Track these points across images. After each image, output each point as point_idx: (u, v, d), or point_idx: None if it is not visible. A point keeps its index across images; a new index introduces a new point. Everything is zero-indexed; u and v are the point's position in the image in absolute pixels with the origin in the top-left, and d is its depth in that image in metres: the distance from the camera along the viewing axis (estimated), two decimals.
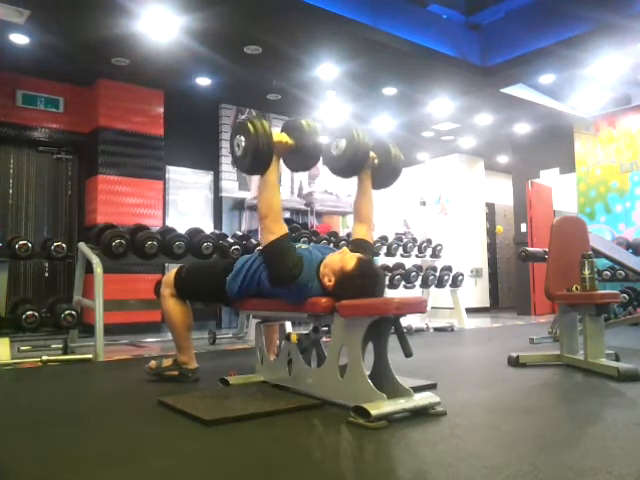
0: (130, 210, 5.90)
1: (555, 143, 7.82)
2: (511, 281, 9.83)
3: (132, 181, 5.98)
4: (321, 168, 7.15)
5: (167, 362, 2.72)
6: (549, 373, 2.87)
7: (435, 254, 6.15)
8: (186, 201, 6.57)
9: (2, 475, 1.40)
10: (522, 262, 5.90)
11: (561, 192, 8.34)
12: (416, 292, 5.64)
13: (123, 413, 2.12)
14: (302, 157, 2.42)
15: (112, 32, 4.69)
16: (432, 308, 5.81)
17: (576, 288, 2.86)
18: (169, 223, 6.11)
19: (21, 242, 3.75)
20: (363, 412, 1.78)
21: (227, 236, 4.85)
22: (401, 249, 5.87)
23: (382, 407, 1.81)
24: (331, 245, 4.84)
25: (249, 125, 2.27)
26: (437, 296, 6.42)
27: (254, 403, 2.07)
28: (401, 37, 5.02)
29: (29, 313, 3.50)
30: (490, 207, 10.00)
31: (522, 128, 7.90)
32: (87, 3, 4.26)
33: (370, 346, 2.05)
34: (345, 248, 2.31)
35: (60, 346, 3.86)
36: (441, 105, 6.74)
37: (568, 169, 7.68)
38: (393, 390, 1.95)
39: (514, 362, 3.04)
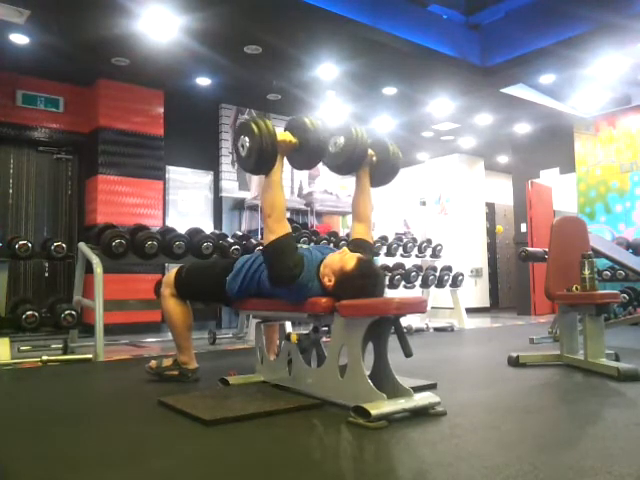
0: (130, 210, 5.90)
1: (555, 143, 7.82)
2: (511, 281, 9.83)
3: (132, 181, 5.98)
4: (321, 168, 7.16)
5: (167, 362, 2.72)
6: (549, 373, 2.87)
7: (435, 254, 6.15)
8: (186, 201, 6.57)
9: (2, 475, 1.40)
10: (522, 262, 5.90)
11: (561, 192, 8.34)
12: (416, 292, 5.64)
13: (123, 413, 2.12)
14: (306, 155, 2.42)
15: (112, 32, 4.69)
16: (432, 308, 5.81)
17: (576, 288, 2.86)
18: (169, 223, 6.11)
19: (21, 242, 3.75)
20: (363, 412, 1.78)
21: (227, 236, 4.85)
22: (401, 249, 5.87)
23: (382, 407, 1.81)
24: (331, 245, 4.84)
25: (253, 125, 2.27)
26: (437, 296, 6.42)
27: (254, 403, 2.07)
28: (401, 37, 5.01)
29: (29, 313, 3.50)
30: (490, 207, 10.00)
31: (522, 128, 7.90)
32: (87, 3, 4.26)
33: (370, 346, 2.05)
34: (345, 248, 2.31)
35: (60, 346, 3.87)
36: (441, 105, 6.74)
37: (568, 169, 7.68)
38: (393, 390, 1.95)
39: (514, 362, 3.04)
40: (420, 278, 5.58)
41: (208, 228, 5.93)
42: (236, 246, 4.45)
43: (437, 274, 5.69)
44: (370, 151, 2.60)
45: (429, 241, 6.38)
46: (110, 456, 1.56)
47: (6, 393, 2.68)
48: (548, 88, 6.45)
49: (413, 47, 5.13)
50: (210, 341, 4.60)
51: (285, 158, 2.39)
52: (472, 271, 8.85)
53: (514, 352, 3.11)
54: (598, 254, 3.82)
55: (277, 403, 2.07)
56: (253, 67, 5.54)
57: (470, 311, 6.82)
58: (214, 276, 2.62)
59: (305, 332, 2.33)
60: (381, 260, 5.69)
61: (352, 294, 2.04)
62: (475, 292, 8.89)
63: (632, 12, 4.52)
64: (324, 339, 2.39)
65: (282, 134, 2.33)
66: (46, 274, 5.86)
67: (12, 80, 5.60)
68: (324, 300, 2.11)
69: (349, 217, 7.68)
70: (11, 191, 5.76)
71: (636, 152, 6.89)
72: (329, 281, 2.17)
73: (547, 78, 6.05)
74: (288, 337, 2.33)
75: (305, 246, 2.48)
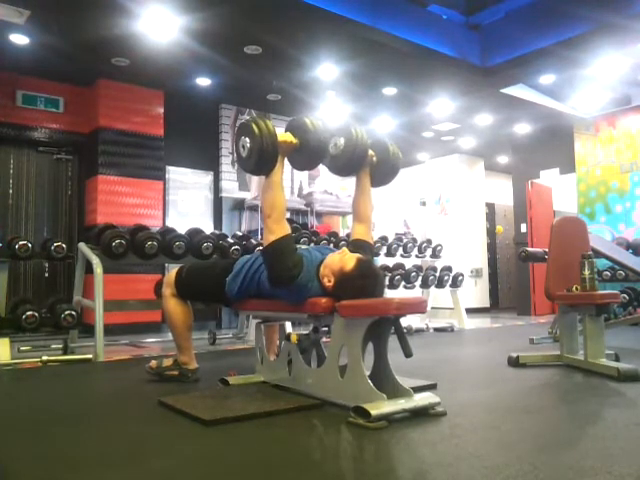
0: (130, 210, 5.90)
1: (555, 143, 7.82)
2: (511, 281, 9.83)
3: (132, 181, 5.98)
4: (321, 168, 7.14)
5: (167, 362, 2.72)
6: (549, 373, 2.87)
7: (435, 254, 6.15)
8: (186, 201, 6.57)
9: (2, 475, 1.40)
10: (522, 262, 5.89)
11: (561, 192, 8.34)
12: (416, 292, 5.64)
13: (123, 413, 2.12)
14: (307, 156, 2.41)
15: (112, 32, 4.69)
16: (432, 308, 5.81)
17: (576, 288, 2.86)
18: (169, 223, 6.11)
19: (21, 242, 3.75)
20: (363, 412, 1.78)
21: (227, 236, 4.85)
22: (401, 249, 5.87)
23: (382, 407, 1.81)
24: (331, 245, 4.84)
25: (253, 126, 2.27)
26: (437, 296, 6.42)
27: (254, 403, 2.07)
28: (401, 37, 5.02)
29: (29, 313, 3.50)
30: (490, 207, 10.00)
31: (522, 128, 7.90)
32: (87, 3, 4.26)
33: (370, 346, 2.04)
34: (345, 248, 2.31)
35: (60, 346, 3.87)
36: (441, 105, 6.74)
37: (568, 169, 7.68)
38: (393, 390, 1.95)
39: (514, 362, 3.04)
40: (420, 278, 5.58)
41: (208, 228, 5.93)
42: (236, 246, 4.45)
43: (437, 274, 5.69)
44: (370, 151, 2.60)
45: (429, 241, 6.38)
46: (110, 456, 1.56)
47: (6, 393, 2.68)
48: (548, 88, 6.45)
49: (413, 47, 5.14)
50: (210, 341, 4.60)
51: (286, 159, 2.39)
52: (472, 271, 8.85)
53: (514, 352, 3.11)
54: (598, 254, 3.82)
55: (277, 403, 2.07)
56: (253, 67, 5.54)
57: (470, 311, 6.82)
58: (214, 277, 2.62)
59: (305, 332, 2.33)
60: (381, 260, 5.69)
61: (352, 294, 2.04)
62: (475, 292, 8.89)
63: (632, 12, 4.52)
64: (324, 339, 2.39)
65: (283, 135, 2.33)
66: (46, 274, 5.86)
67: (12, 80, 5.60)
68: (324, 300, 2.11)
69: (349, 217, 7.69)
70: (11, 191, 5.76)
71: (636, 152, 6.89)
72: (329, 282, 2.17)
73: (547, 78, 6.05)
74: (288, 337, 2.33)
75: (304, 247, 2.48)
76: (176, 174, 6.50)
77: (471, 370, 3.28)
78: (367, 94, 6.37)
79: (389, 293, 5.10)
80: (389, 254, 5.75)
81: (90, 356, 3.57)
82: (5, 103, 5.58)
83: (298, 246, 2.42)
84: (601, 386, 2.49)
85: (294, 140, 2.34)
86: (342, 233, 6.52)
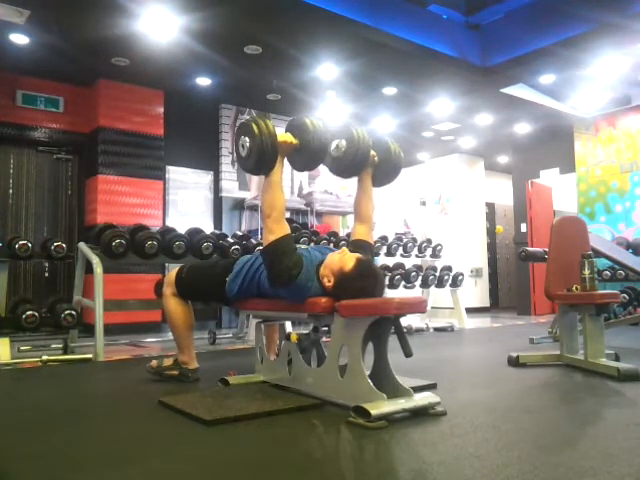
0: (130, 210, 5.91)
1: (555, 143, 7.83)
2: (511, 281, 9.83)
3: (132, 181, 5.98)
4: (321, 168, 7.14)
5: (168, 362, 2.73)
6: (549, 373, 2.87)
7: (435, 254, 6.15)
8: (186, 201, 6.57)
9: (2, 475, 1.40)
10: (522, 262, 5.90)
11: (561, 192, 8.34)
12: (416, 292, 5.64)
13: (123, 413, 2.12)
14: (307, 156, 2.40)
15: (112, 32, 4.70)
16: (432, 308, 5.80)
17: (576, 288, 2.86)
18: (169, 223, 6.12)
19: (21, 242, 3.75)
20: (363, 412, 1.78)
21: (227, 236, 4.85)
22: (401, 249, 5.87)
23: (382, 407, 1.81)
24: (331, 245, 4.84)
25: (253, 125, 2.26)
26: (437, 296, 6.41)
27: (254, 403, 2.07)
28: (401, 37, 5.02)
29: (29, 313, 3.50)
30: (490, 207, 10.01)
31: (522, 128, 7.90)
32: (87, 3, 4.26)
33: (370, 346, 2.05)
34: (345, 248, 2.31)
35: (60, 346, 3.86)
36: (441, 105, 6.74)
37: (568, 169, 7.68)
38: (393, 390, 1.95)
39: (514, 362, 3.04)
40: (420, 278, 5.58)
41: (208, 228, 5.93)
42: (236, 246, 4.45)
43: (437, 274, 5.69)
44: (372, 151, 2.60)
45: (429, 241, 6.38)
46: (110, 456, 1.56)
47: (6, 393, 2.68)
48: (548, 88, 6.45)
49: (413, 47, 5.14)
50: (210, 341, 4.60)
51: (285, 159, 2.38)
52: (472, 271, 8.86)
53: (514, 352, 3.11)
54: (598, 254, 3.81)
55: (277, 403, 2.06)
56: (253, 67, 5.54)
57: (470, 311, 6.82)
58: (214, 276, 2.62)
59: (305, 332, 2.33)
60: (381, 260, 5.69)
61: (352, 295, 2.03)
62: (475, 292, 8.90)
63: (632, 12, 4.52)
64: (324, 339, 2.39)
65: (283, 135, 2.33)
66: (46, 274, 5.86)
67: (12, 80, 5.60)
68: (324, 300, 2.11)
69: (349, 217, 7.70)
70: (11, 191, 5.76)
71: (636, 152, 6.89)
72: (328, 282, 2.17)
73: (547, 78, 6.05)
74: (288, 337, 2.33)
75: (304, 246, 2.48)
76: (176, 174, 6.51)
77: (471, 370, 3.28)
78: (367, 94, 6.37)
79: (389, 293, 5.10)
80: (389, 254, 5.75)
81: (90, 356, 3.57)
82: (5, 103, 5.58)
83: (298, 246, 2.42)
84: (601, 386, 2.49)
85: (294, 140, 2.34)
86: (342, 233, 6.52)
